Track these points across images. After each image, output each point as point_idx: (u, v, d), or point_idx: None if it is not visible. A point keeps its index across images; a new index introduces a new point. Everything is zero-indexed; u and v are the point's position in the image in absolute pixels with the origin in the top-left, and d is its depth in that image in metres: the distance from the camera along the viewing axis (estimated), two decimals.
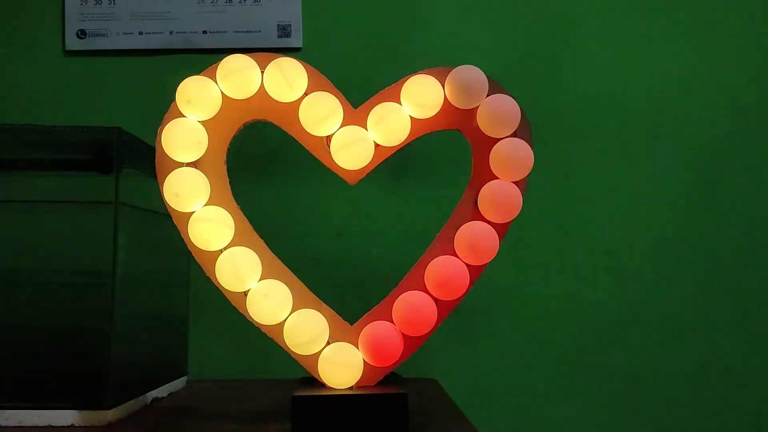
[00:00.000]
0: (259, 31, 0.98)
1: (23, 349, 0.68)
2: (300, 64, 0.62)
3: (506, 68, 0.98)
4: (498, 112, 0.63)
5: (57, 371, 0.67)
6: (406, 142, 0.64)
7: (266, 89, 0.63)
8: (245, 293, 0.61)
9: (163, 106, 0.63)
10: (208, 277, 0.62)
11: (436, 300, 0.62)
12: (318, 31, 0.98)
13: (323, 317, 0.62)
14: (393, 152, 0.65)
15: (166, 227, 0.64)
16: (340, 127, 0.63)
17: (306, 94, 0.62)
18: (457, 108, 0.64)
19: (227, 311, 0.63)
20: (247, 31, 0.97)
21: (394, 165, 0.96)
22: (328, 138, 0.63)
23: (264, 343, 0.64)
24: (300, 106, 0.62)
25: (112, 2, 0.97)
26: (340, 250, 0.96)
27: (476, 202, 0.63)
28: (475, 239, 0.62)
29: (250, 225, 0.64)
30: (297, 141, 0.65)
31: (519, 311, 0.96)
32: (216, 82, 0.62)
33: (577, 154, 0.97)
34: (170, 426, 0.65)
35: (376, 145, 0.64)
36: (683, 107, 0.98)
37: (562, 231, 0.97)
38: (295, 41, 0.98)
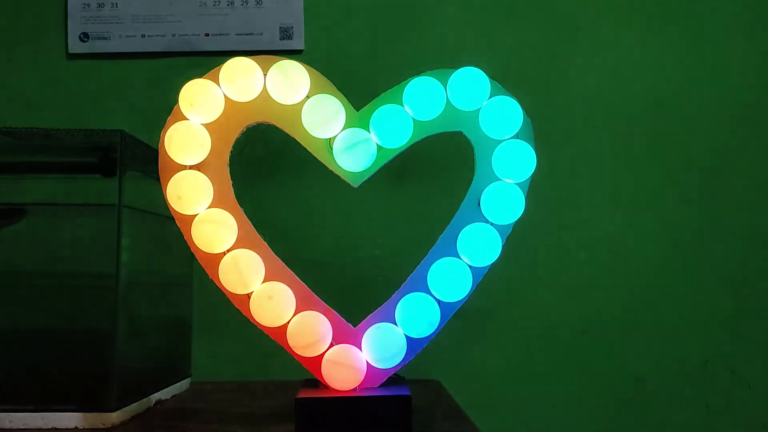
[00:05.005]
0: (261, 34, 0.98)
1: (27, 351, 0.68)
2: (302, 67, 0.63)
3: (508, 70, 0.98)
4: (500, 114, 0.63)
5: (61, 373, 0.67)
6: (408, 144, 0.64)
7: (268, 92, 0.63)
8: (248, 295, 0.61)
9: (166, 109, 0.63)
10: (211, 279, 0.62)
11: (439, 302, 0.63)
12: (320, 33, 0.98)
13: (326, 319, 0.62)
14: (395, 154, 0.65)
15: (170, 230, 0.64)
16: (343, 129, 0.63)
17: (308, 96, 0.63)
18: (459, 110, 0.64)
19: (230, 313, 0.63)
20: (249, 34, 0.98)
21: (397, 167, 0.96)
22: (331, 140, 0.63)
23: (267, 346, 0.64)
24: (302, 109, 0.62)
25: (115, 5, 0.98)
26: (343, 252, 0.96)
27: (479, 204, 0.63)
28: (478, 241, 0.62)
29: (253, 227, 0.64)
30: (299, 143, 0.65)
31: (522, 313, 0.96)
32: (219, 85, 0.62)
33: (579, 155, 0.97)
34: (174, 428, 0.65)
35: (379, 148, 0.64)
36: (684, 108, 0.98)
37: (565, 232, 0.97)
38: (297, 43, 0.98)
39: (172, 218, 0.62)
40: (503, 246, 0.63)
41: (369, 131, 0.63)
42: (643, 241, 0.97)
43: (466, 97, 0.63)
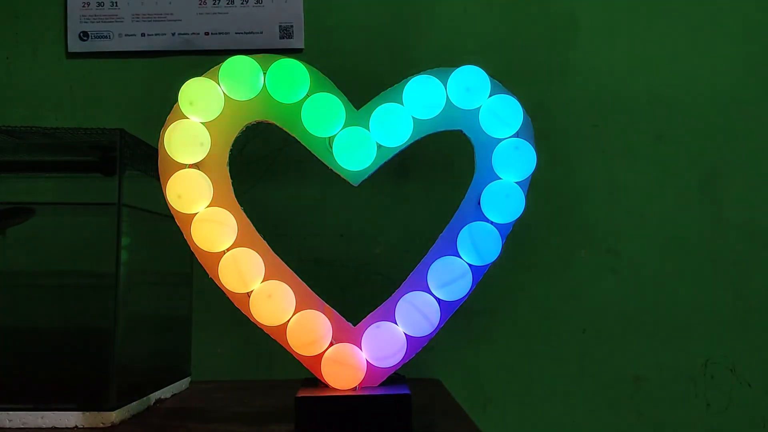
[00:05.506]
0: (261, 33, 0.98)
1: (27, 350, 0.68)
2: (302, 65, 0.63)
3: (508, 68, 0.98)
4: (500, 113, 0.63)
5: (61, 372, 0.67)
6: (408, 143, 0.64)
7: (268, 91, 0.63)
8: (248, 294, 0.61)
9: (165, 108, 0.63)
10: (211, 278, 0.62)
11: (439, 301, 0.63)
12: (320, 32, 0.98)
13: (326, 318, 0.62)
14: (395, 153, 0.65)
15: (169, 228, 0.64)
16: (343, 128, 0.63)
17: (308, 95, 0.62)
18: (459, 108, 0.64)
19: (230, 312, 0.63)
20: (249, 33, 0.98)
21: (397, 165, 0.96)
22: (331, 139, 0.63)
23: (267, 345, 0.64)
24: (302, 108, 0.62)
25: (115, 4, 0.98)
26: (343, 251, 0.96)
27: (479, 203, 0.63)
28: (478, 240, 0.62)
29: (252, 226, 0.64)
30: (299, 142, 0.65)
31: (522, 311, 0.96)
32: (218, 84, 0.62)
33: (579, 153, 0.97)
34: (173, 427, 0.65)
35: (379, 146, 0.64)
36: (685, 106, 0.98)
37: (565, 231, 0.97)
38: (297, 42, 0.98)
39: (172, 217, 0.62)
40: (503, 245, 0.63)
41: (369, 130, 0.63)
42: (643, 240, 0.97)
43: (466, 95, 0.63)
